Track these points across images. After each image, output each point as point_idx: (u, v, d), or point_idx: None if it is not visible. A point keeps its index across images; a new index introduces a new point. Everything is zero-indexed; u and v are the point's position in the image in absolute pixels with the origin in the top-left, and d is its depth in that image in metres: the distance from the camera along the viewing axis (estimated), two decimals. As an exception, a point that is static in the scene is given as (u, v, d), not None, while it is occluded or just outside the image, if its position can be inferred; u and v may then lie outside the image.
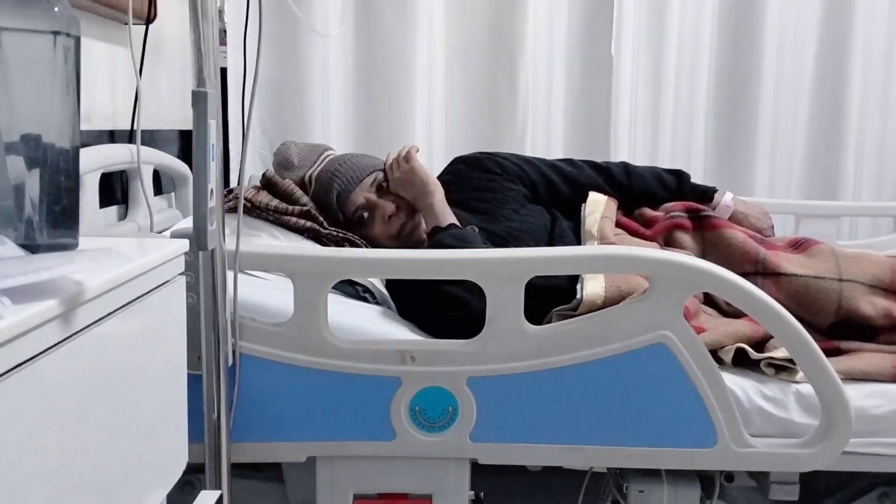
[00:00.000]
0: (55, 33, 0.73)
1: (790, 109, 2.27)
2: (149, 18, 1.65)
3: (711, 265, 1.12)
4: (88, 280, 0.61)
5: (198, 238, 0.91)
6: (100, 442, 0.66)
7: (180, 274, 0.84)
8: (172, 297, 0.82)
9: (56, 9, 0.73)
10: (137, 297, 0.71)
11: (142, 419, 0.76)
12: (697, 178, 2.06)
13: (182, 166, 1.78)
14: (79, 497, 0.62)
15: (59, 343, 0.57)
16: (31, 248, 0.71)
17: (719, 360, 1.27)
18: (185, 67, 1.91)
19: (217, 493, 0.87)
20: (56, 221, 0.75)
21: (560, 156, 1.95)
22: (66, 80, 0.75)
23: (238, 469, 1.13)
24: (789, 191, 2.33)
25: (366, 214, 1.45)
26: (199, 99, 0.91)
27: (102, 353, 0.66)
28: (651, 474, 1.31)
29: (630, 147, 2.24)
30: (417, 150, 1.49)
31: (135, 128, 1.53)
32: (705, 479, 1.34)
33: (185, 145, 1.86)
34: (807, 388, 1.21)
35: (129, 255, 0.68)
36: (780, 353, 1.26)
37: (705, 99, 2.27)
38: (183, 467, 0.88)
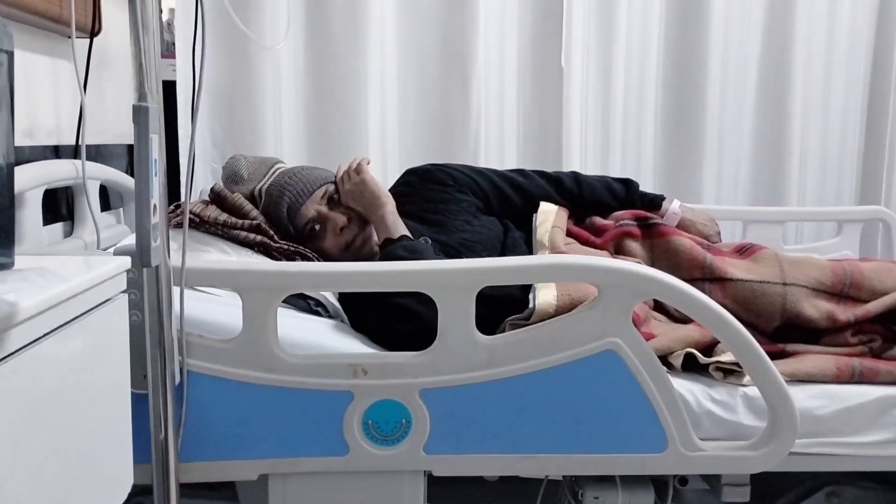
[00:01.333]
0: (-12, 49, 0.72)
1: (735, 118, 2.32)
2: (93, 31, 1.62)
3: (657, 272, 1.14)
4: (21, 300, 0.59)
5: (141, 255, 0.89)
6: (37, 466, 0.65)
7: (123, 292, 0.83)
8: (114, 315, 0.80)
9: (-12, 23, 0.71)
10: (76, 317, 0.69)
11: (83, 441, 0.74)
12: (647, 186, 2.10)
13: (130, 181, 1.75)
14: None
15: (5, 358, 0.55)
16: (-38, 268, 0.69)
17: (669, 366, 1.29)
18: (131, 81, 1.89)
19: (163, 514, 0.85)
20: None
21: (513, 166, 1.97)
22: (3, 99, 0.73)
23: (190, 489, 1.11)
24: (736, 197, 2.38)
25: (317, 227, 1.44)
26: (140, 113, 0.89)
27: (38, 374, 0.64)
28: (606, 480, 1.32)
29: (581, 156, 2.26)
30: (369, 163, 1.49)
31: (79, 143, 1.50)
32: (659, 484, 1.36)
33: (130, 158, 1.83)
34: (754, 391, 1.23)
35: (65, 274, 0.66)
36: (727, 357, 1.28)
37: (654, 108, 2.31)
38: (128, 490, 0.86)
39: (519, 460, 1.14)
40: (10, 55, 0.74)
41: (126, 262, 0.83)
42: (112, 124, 1.82)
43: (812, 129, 2.35)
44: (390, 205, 1.42)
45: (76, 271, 0.72)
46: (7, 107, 0.74)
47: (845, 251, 2.07)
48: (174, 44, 2.02)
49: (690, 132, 2.29)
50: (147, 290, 0.96)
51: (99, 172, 1.65)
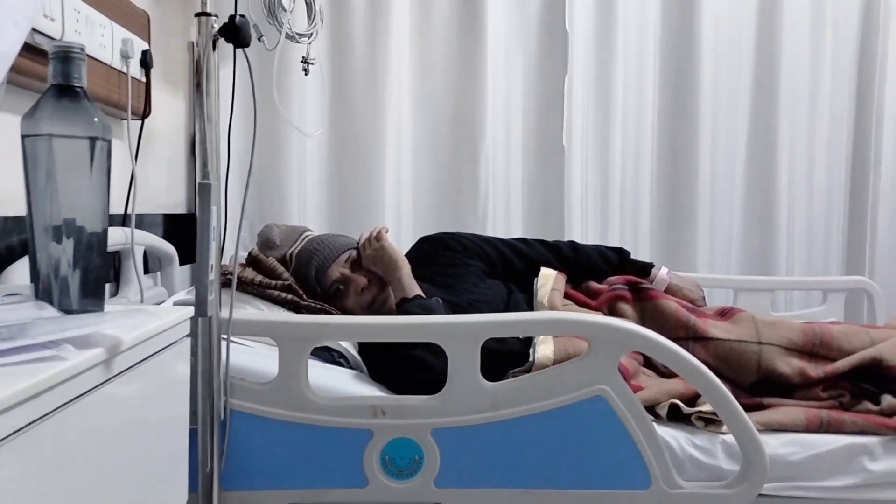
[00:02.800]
0: (93, 139, 0.90)
1: (726, 192, 2.50)
2: (144, 114, 1.83)
3: (640, 328, 1.30)
4: (122, 334, 0.76)
5: (199, 306, 1.06)
6: (121, 478, 0.80)
7: (186, 336, 0.99)
8: (180, 355, 0.97)
9: (95, 119, 0.90)
10: (156, 352, 0.86)
11: (154, 463, 0.90)
12: (644, 256, 2.27)
13: (168, 247, 1.93)
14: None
15: (99, 385, 0.72)
16: (67, 313, 0.87)
17: (656, 415, 1.43)
18: (171, 157, 2.09)
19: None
20: (87, 291, 0.90)
21: (518, 235, 2.14)
22: (100, 175, 0.91)
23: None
24: (729, 266, 2.54)
25: (341, 287, 1.62)
26: (204, 189, 1.08)
27: (130, 398, 0.80)
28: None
29: (582, 227, 2.43)
30: (387, 231, 1.67)
31: (129, 212, 1.69)
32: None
33: (169, 228, 2.01)
34: (732, 439, 1.37)
35: (153, 314, 0.83)
36: (707, 407, 1.42)
37: (649, 183, 2.49)
38: (183, 500, 1.00)
39: (520, 494, 1.28)
40: (109, 143, 0.93)
41: (190, 311, 0.99)
42: (152, 196, 2.00)
43: (798, 203, 2.52)
44: (406, 268, 1.59)
45: (153, 317, 0.88)
46: (105, 185, 0.92)
47: (831, 318, 2.21)
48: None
49: (684, 206, 2.46)
50: (201, 337, 1.12)
51: (144, 239, 1.83)
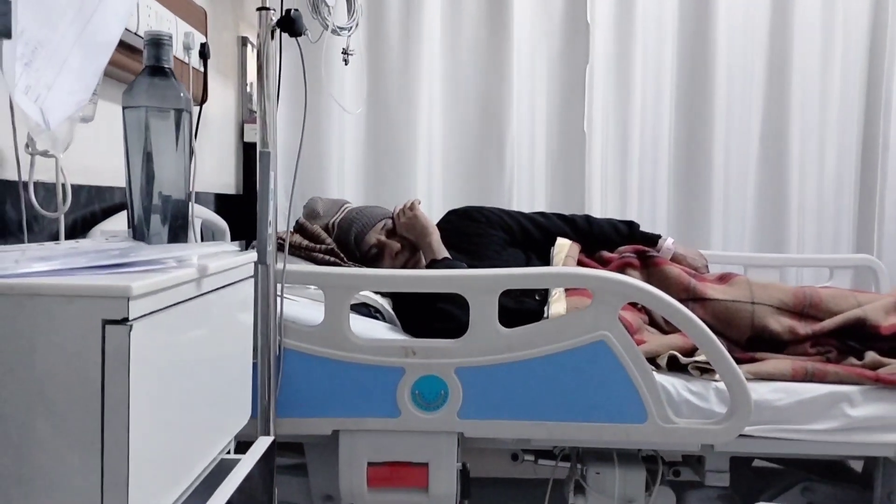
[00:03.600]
0: (179, 110, 1.11)
1: (739, 175, 2.63)
2: (202, 100, 2.04)
3: (638, 282, 1.48)
4: (210, 262, 0.97)
5: (260, 254, 1.26)
6: (211, 378, 1.01)
7: (250, 276, 1.20)
8: (247, 289, 1.17)
9: (181, 94, 1.10)
10: (231, 283, 1.06)
11: (231, 371, 1.10)
12: (661, 234, 2.43)
13: (221, 222, 2.14)
14: (192, 416, 0.96)
15: (193, 297, 0.92)
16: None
17: (657, 365, 1.60)
18: (221, 141, 2.30)
19: (271, 438, 1.20)
20: (173, 237, 1.11)
21: (540, 211, 2.31)
22: (184, 140, 1.12)
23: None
24: (743, 244, 2.67)
25: (376, 251, 1.82)
26: (263, 157, 1.28)
27: (214, 312, 1.01)
28: (605, 459, 1.63)
29: (602, 207, 2.58)
30: (419, 203, 1.86)
31: (189, 189, 1.90)
32: (652, 470, 1.65)
33: (220, 205, 2.22)
34: (724, 385, 1.54)
35: (229, 253, 1.04)
36: (703, 357, 1.59)
37: (666, 167, 2.63)
38: (248, 417, 1.21)
39: (531, 426, 1.47)
40: (191, 114, 1.13)
41: (254, 255, 1.20)
42: (205, 176, 2.22)
43: (808, 185, 2.63)
44: (436, 234, 1.79)
45: (229, 255, 1.09)
46: (188, 148, 1.13)
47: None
48: (254, 111, 2.45)
49: (700, 187, 2.60)
50: (261, 282, 1.33)
51: (201, 213, 2.04)
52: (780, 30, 2.60)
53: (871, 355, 1.64)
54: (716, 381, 1.56)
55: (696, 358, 1.59)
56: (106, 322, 0.74)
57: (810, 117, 2.63)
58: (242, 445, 1.29)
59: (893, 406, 1.55)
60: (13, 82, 0.91)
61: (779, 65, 2.60)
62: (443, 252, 1.74)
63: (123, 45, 1.43)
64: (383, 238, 1.83)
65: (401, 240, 1.83)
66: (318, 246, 1.76)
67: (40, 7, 0.96)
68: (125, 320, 0.74)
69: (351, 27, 1.76)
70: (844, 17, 2.61)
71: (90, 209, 1.43)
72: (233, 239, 2.15)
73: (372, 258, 1.82)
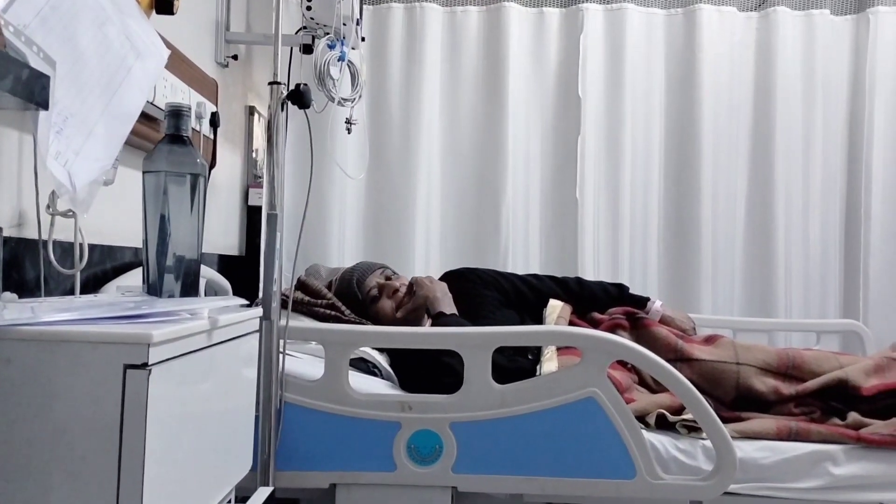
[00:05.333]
0: (195, 175, 1.19)
1: (728, 241, 2.73)
2: (211, 166, 2.14)
3: (625, 340, 1.55)
4: (220, 317, 1.03)
5: (265, 310, 1.33)
6: (216, 427, 1.06)
7: (256, 331, 1.26)
8: (252, 344, 1.23)
9: (198, 160, 1.19)
10: (239, 336, 1.13)
11: (235, 421, 1.16)
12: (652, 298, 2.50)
13: (223, 280, 2.21)
14: (198, 463, 1.01)
15: (204, 347, 0.98)
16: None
17: (646, 423, 1.65)
18: (227, 205, 2.39)
19: (270, 489, 1.25)
20: (185, 293, 1.18)
21: (533, 274, 2.39)
22: (199, 203, 1.20)
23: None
24: (732, 310, 2.74)
25: (377, 292, 1.90)
26: (271, 219, 1.37)
27: (222, 364, 1.07)
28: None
29: (594, 272, 2.67)
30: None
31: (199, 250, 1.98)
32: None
33: (223, 266, 2.30)
34: (710, 444, 1.58)
35: (237, 309, 1.11)
36: (690, 416, 1.64)
37: (656, 234, 2.73)
38: (248, 468, 1.25)
39: (523, 481, 1.51)
40: (206, 180, 1.22)
41: (260, 311, 1.27)
42: (210, 237, 2.29)
43: (794, 252, 2.73)
44: (449, 295, 1.88)
45: (237, 310, 1.16)
46: (202, 210, 1.21)
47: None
48: (259, 176, 2.56)
49: (689, 254, 2.70)
50: (265, 336, 1.39)
51: (205, 272, 2.12)
52: (763, 105, 2.73)
53: (853, 415, 1.69)
54: (703, 439, 1.61)
55: (684, 416, 1.64)
56: (127, 367, 0.80)
57: (794, 188, 2.74)
58: (242, 499, 1.34)
59: (875, 465, 1.59)
60: (45, 148, 1.00)
61: (762, 138, 2.73)
62: (452, 308, 1.82)
63: (142, 115, 1.53)
64: (382, 280, 1.92)
65: (408, 290, 1.92)
66: (319, 301, 1.83)
67: (74, 81, 1.05)
68: (145, 365, 0.80)
69: (354, 98, 1.87)
70: (824, 93, 2.74)
71: (102, 267, 1.50)
72: (235, 299, 2.22)
73: (372, 299, 1.90)
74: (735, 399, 1.77)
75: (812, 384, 1.75)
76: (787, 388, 1.74)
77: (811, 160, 2.75)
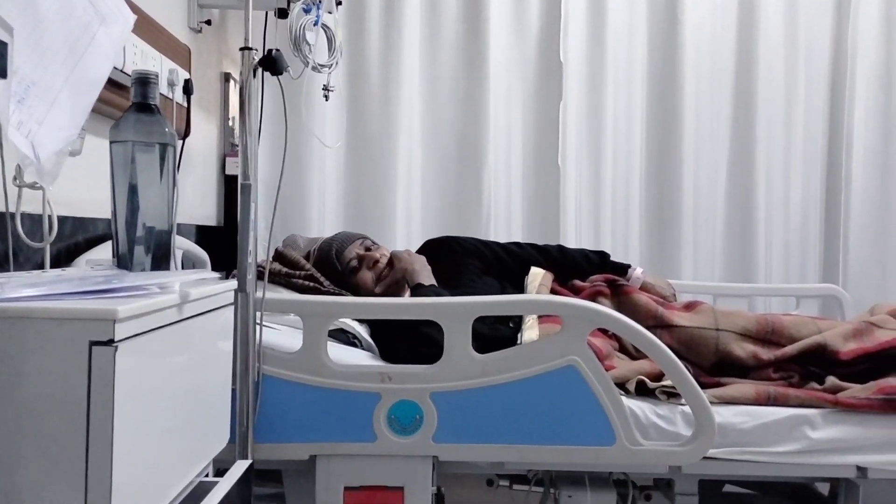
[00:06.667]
0: (163, 145, 1.16)
1: (709, 207, 2.73)
2: (185, 135, 2.10)
3: (605, 308, 1.54)
4: (192, 288, 1.01)
5: (240, 282, 1.31)
6: (191, 401, 1.05)
7: (230, 304, 1.24)
8: (227, 317, 1.22)
9: (166, 129, 1.16)
10: (212, 309, 1.11)
11: (210, 395, 1.14)
12: (633, 264, 2.50)
13: (201, 252, 2.18)
14: (172, 438, 0.99)
15: (175, 322, 0.96)
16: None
17: (626, 391, 1.66)
18: (203, 174, 2.35)
19: (248, 462, 1.24)
20: (156, 266, 1.16)
21: (515, 242, 2.38)
22: (168, 173, 1.17)
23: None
24: (712, 275, 2.75)
25: (356, 263, 1.88)
26: (245, 189, 1.34)
27: (195, 338, 1.05)
28: (577, 482, 1.67)
29: (576, 238, 2.66)
30: None
31: (171, 219, 1.95)
32: (623, 493, 1.70)
33: (201, 237, 2.27)
34: (689, 409, 1.59)
35: (211, 281, 1.09)
36: (669, 382, 1.65)
37: (637, 199, 2.73)
38: (226, 441, 1.24)
39: (504, 449, 1.51)
40: (175, 149, 1.19)
41: (234, 283, 1.24)
42: (187, 208, 2.26)
43: (775, 217, 2.73)
44: (427, 267, 1.86)
45: (211, 282, 1.13)
46: (172, 181, 1.18)
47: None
48: (236, 145, 2.51)
49: (669, 219, 2.69)
50: (240, 310, 1.37)
51: (182, 243, 2.08)
52: (745, 69, 2.71)
53: (831, 380, 1.70)
54: (682, 404, 1.61)
55: (663, 383, 1.65)
56: (93, 343, 0.78)
57: (775, 153, 2.74)
58: (220, 472, 1.33)
59: (852, 429, 1.60)
60: (6, 118, 0.96)
61: (744, 103, 2.71)
62: (431, 280, 1.80)
63: (110, 82, 1.48)
64: (362, 251, 1.90)
65: (389, 263, 1.90)
66: (297, 272, 1.81)
67: (35, 47, 1.01)
68: (111, 341, 0.78)
69: (331, 64, 1.83)
70: (806, 57, 2.73)
71: (74, 240, 1.47)
72: (213, 269, 2.19)
73: (352, 270, 1.88)
74: (714, 365, 1.77)
75: (791, 349, 1.75)
76: (766, 354, 1.75)
77: (793, 125, 2.75)
